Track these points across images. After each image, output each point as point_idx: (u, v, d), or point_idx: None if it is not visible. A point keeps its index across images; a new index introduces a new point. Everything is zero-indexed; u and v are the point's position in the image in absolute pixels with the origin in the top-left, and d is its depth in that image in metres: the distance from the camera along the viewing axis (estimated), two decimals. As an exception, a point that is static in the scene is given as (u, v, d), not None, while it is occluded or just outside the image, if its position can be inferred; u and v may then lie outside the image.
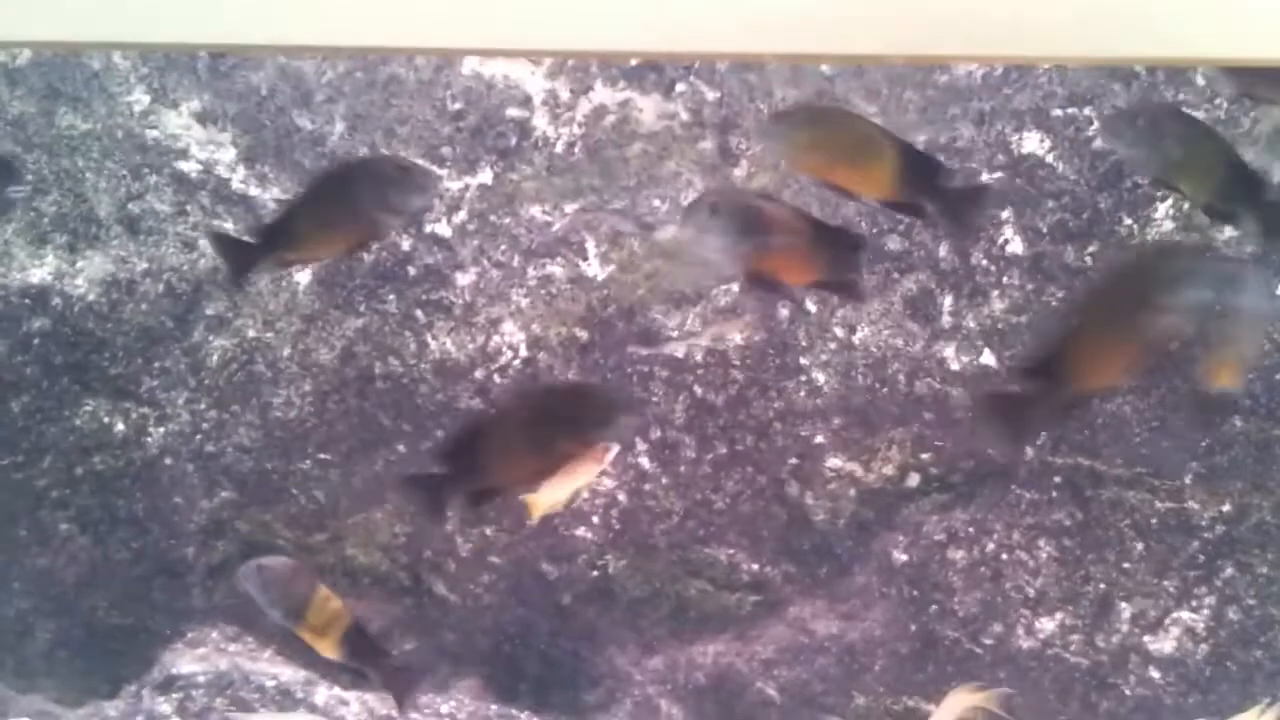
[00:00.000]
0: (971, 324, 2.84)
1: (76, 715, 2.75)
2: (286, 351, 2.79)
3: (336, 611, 2.01)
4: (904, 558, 2.87)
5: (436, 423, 2.84)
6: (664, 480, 2.89)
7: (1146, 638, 2.75)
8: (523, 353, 2.87)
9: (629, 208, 2.86)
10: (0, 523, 2.69)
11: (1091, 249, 2.74)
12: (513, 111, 2.84)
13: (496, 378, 2.86)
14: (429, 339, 2.84)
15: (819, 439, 2.87)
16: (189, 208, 2.74)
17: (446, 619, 2.89)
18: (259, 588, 2.08)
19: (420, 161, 2.44)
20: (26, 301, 2.68)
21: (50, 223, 2.68)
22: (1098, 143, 2.75)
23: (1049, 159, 2.81)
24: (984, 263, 2.84)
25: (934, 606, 2.84)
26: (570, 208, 2.86)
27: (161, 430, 2.75)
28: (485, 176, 2.84)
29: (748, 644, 2.90)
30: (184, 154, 2.73)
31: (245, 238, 1.89)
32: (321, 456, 2.82)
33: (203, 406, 2.77)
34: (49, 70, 2.66)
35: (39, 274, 2.67)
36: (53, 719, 2.62)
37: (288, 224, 1.70)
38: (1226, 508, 2.68)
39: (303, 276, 2.79)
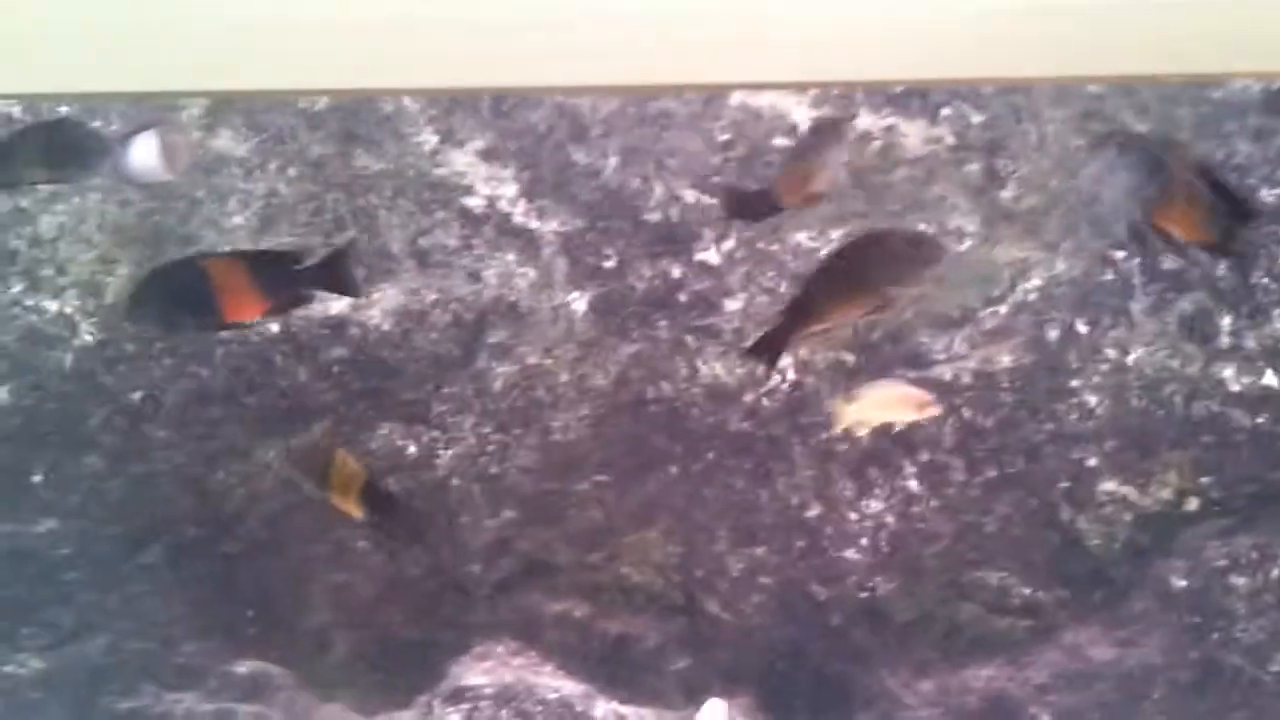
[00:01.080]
0: (1252, 344, 2.85)
1: (373, 724, 2.95)
2: (565, 377, 2.97)
3: (355, 472, 2.22)
4: (1183, 583, 2.90)
5: (708, 445, 2.97)
6: (933, 503, 2.97)
7: None
8: (790, 376, 2.98)
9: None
10: (302, 540, 2.92)
11: (1380, 266, 2.73)
12: (779, 140, 2.96)
13: (765, 401, 2.97)
14: (699, 364, 2.97)
15: (1092, 462, 2.93)
16: (474, 241, 2.94)
17: (719, 638, 3.03)
18: (291, 466, 2.35)
19: (926, 230, 2.46)
20: (326, 331, 2.92)
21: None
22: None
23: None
24: (1265, 281, 2.84)
25: (1216, 634, 2.85)
26: (836, 234, 2.96)
27: (450, 453, 2.96)
28: (753, 204, 2.95)
29: (1021, 669, 2.95)
30: (469, 190, 2.93)
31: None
32: (598, 478, 2.99)
33: (487, 430, 2.97)
34: (345, 115, 2.90)
35: (338, 305, 2.91)
36: (351, 726, 2.82)
37: (809, 299, 1.87)
38: None
39: (579, 305, 2.95)
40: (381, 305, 3.04)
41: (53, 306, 2.91)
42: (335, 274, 2.19)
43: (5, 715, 2.92)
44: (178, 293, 2.07)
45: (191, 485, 2.98)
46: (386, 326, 3.04)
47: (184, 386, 2.97)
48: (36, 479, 2.91)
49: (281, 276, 2.09)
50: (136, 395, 2.95)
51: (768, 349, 2.16)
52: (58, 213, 2.90)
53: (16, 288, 2.89)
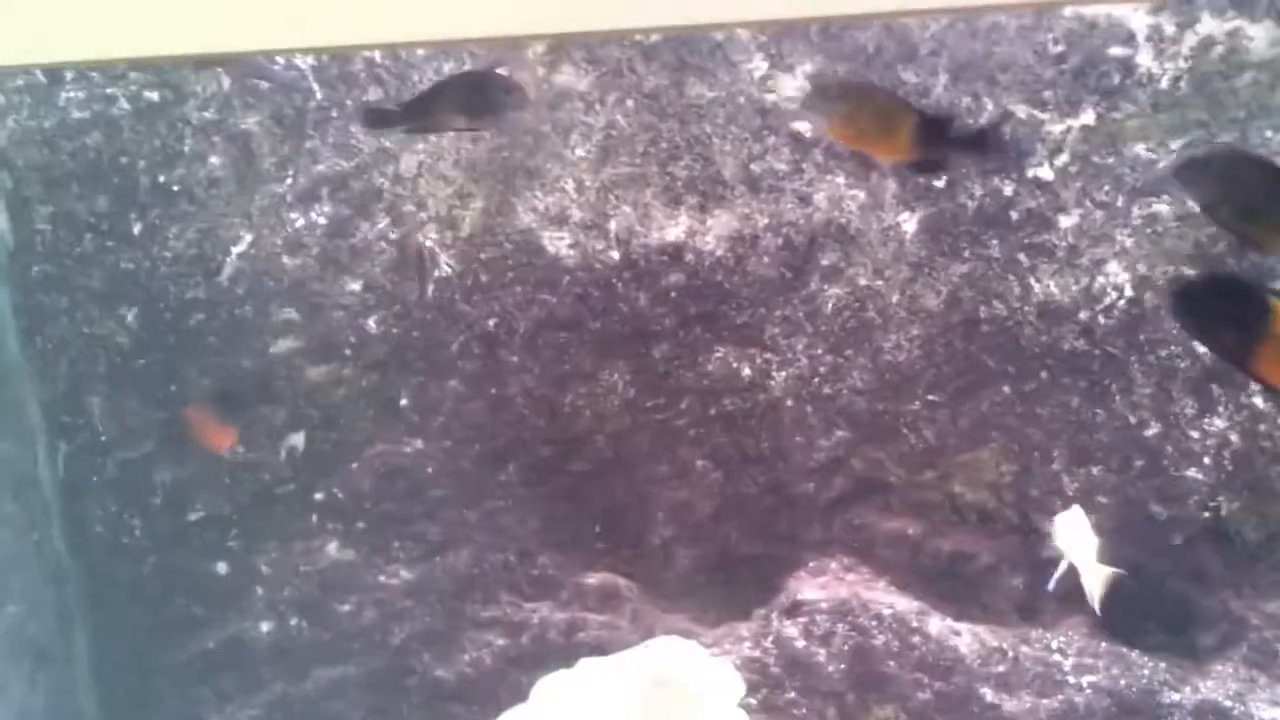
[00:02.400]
0: None
1: (713, 635, 3.21)
2: (895, 298, 3.13)
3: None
4: None
5: (1042, 363, 3.09)
6: (1279, 420, 3.01)
7: None
8: (1128, 293, 3.06)
9: (1239, 140, 2.98)
10: (645, 459, 3.19)
11: None
12: (1115, 50, 3.03)
13: (1101, 319, 3.07)
14: (1032, 282, 3.09)
15: None
16: (804, 165, 3.12)
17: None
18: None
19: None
20: (664, 258, 3.15)
21: (683, 185, 3.13)
22: None
23: None
24: None
25: None
26: (1176, 144, 3.02)
27: (783, 374, 3.17)
28: (1088, 118, 3.06)
29: (1378, 591, 2.99)
30: (798, 115, 3.10)
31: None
32: (930, 398, 3.14)
33: (819, 351, 3.16)
34: (679, 46, 3.10)
35: (674, 232, 3.13)
36: (694, 637, 3.07)
37: None
38: None
39: (909, 225, 3.11)
40: (715, 231, 3.26)
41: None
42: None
43: (379, 623, 3.31)
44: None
45: (543, 407, 3.29)
46: (720, 252, 3.27)
47: (534, 314, 3.26)
48: (404, 403, 3.27)
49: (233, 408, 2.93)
50: (491, 323, 3.26)
51: None
52: (418, 151, 3.22)
53: (381, 223, 3.23)
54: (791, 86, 3.23)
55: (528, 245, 3.23)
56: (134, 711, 3.25)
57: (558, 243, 3.24)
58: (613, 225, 3.24)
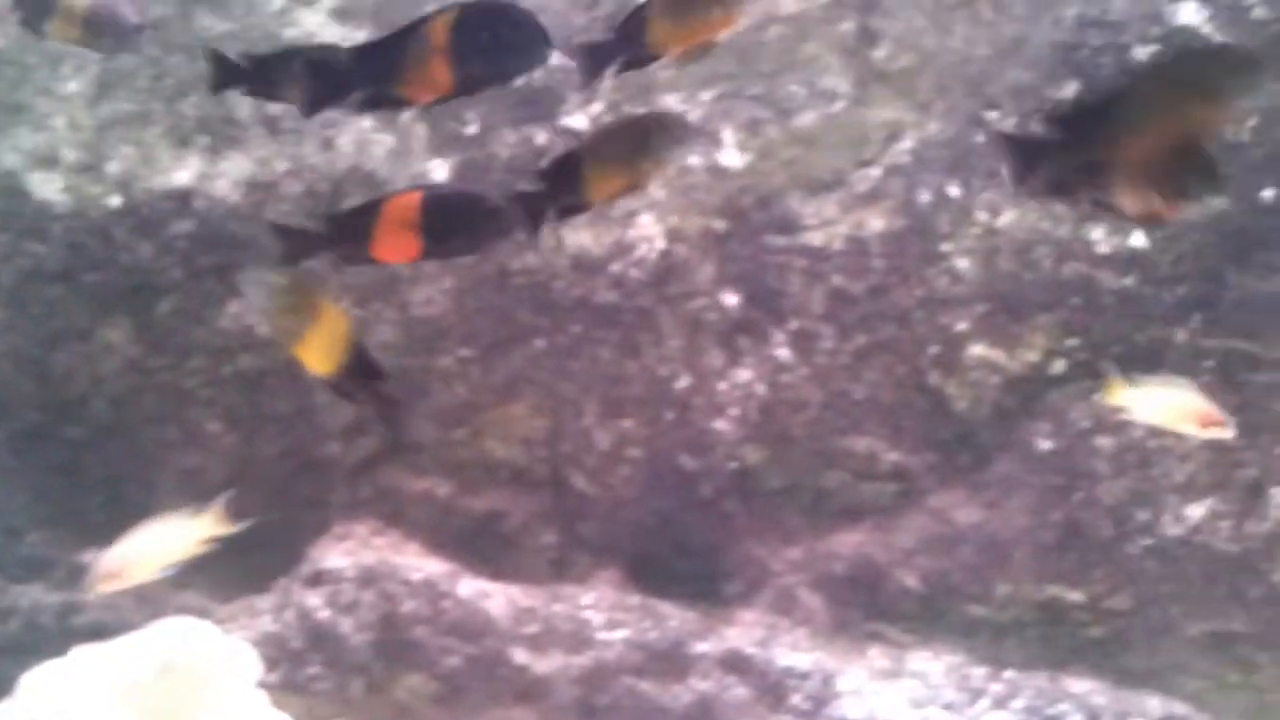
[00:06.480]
0: (1119, 205, 3.63)
1: (228, 610, 3.69)
2: (425, 248, 3.65)
3: None
4: (1048, 445, 3.69)
5: (574, 317, 3.72)
6: (802, 371, 3.75)
7: (1295, 523, 3.37)
8: (659, 245, 3.72)
9: (766, 93, 3.67)
10: (150, 423, 3.60)
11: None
12: (646, -4, 3.64)
13: (633, 271, 3.72)
14: (565, 233, 3.71)
15: (961, 326, 3.66)
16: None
17: (586, 512, 3.81)
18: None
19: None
20: (170, 204, 3.53)
21: (192, 125, 3.54)
22: (1259, 11, 3.39)
23: (1206, 30, 3.53)
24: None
25: (1079, 494, 3.61)
26: (706, 96, 3.68)
27: (305, 329, 3.64)
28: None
29: (887, 534, 3.78)
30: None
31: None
32: (461, 353, 3.70)
33: (346, 305, 3.65)
34: (185, -29, 3.48)
35: (182, 176, 3.52)
36: (206, 615, 3.53)
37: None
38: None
39: (440, 174, 3.65)
40: (229, 176, 3.68)
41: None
42: None
43: None
44: None
45: (31, 368, 3.61)
46: (235, 198, 3.64)
47: (20, 265, 3.58)
48: None
49: None
50: (-33, 274, 3.55)
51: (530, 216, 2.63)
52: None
53: None
54: (313, 21, 3.68)
55: (12, 189, 3.54)
56: None
57: (47, 186, 3.56)
58: (112, 167, 3.58)
